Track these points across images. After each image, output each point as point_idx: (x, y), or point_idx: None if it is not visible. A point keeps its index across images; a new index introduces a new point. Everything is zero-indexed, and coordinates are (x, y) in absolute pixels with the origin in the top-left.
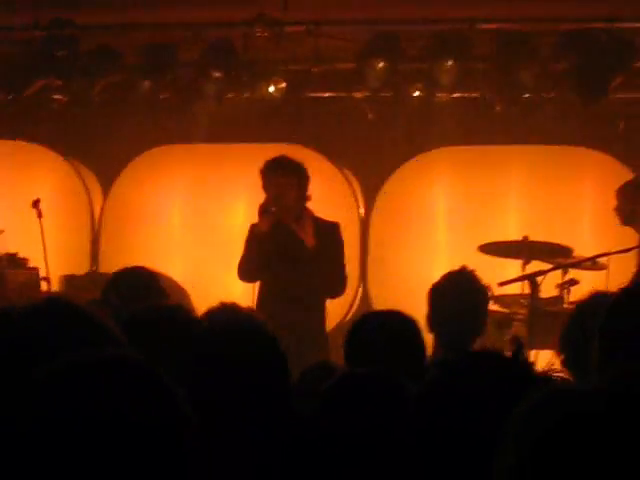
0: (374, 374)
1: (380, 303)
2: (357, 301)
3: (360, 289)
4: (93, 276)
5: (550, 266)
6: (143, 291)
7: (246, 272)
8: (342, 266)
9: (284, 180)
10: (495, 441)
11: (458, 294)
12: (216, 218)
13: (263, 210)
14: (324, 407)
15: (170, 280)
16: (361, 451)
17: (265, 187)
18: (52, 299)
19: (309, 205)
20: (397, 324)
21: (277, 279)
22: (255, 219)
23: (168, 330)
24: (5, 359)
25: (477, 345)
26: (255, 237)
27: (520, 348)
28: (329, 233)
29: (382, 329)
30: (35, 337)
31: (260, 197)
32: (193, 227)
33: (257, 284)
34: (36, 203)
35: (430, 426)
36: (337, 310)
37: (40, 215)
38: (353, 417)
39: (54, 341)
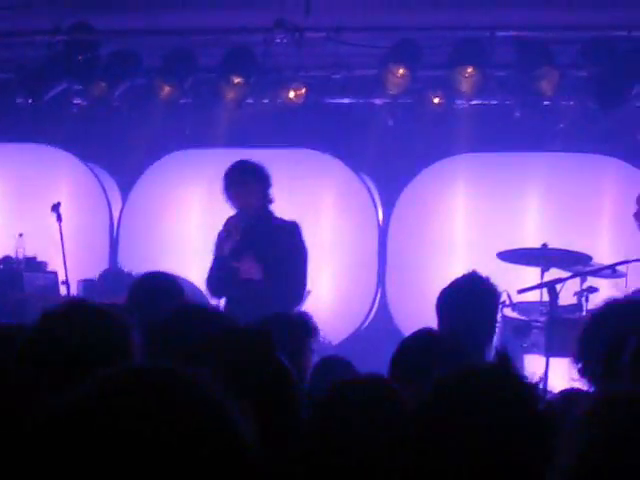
0: (371, 380)
1: (398, 309)
2: (375, 307)
3: (379, 295)
4: (109, 277)
5: (569, 274)
6: (163, 295)
7: (213, 290)
8: (298, 270)
9: (245, 188)
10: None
11: (467, 298)
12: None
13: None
14: (321, 414)
15: (189, 283)
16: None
17: (227, 195)
18: (74, 301)
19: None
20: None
21: (234, 300)
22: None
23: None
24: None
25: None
26: (218, 258)
27: (505, 358)
28: (287, 234)
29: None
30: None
31: (278, 201)
32: (211, 231)
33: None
34: (56, 207)
35: (426, 441)
36: (356, 315)
37: (60, 219)
38: (348, 425)
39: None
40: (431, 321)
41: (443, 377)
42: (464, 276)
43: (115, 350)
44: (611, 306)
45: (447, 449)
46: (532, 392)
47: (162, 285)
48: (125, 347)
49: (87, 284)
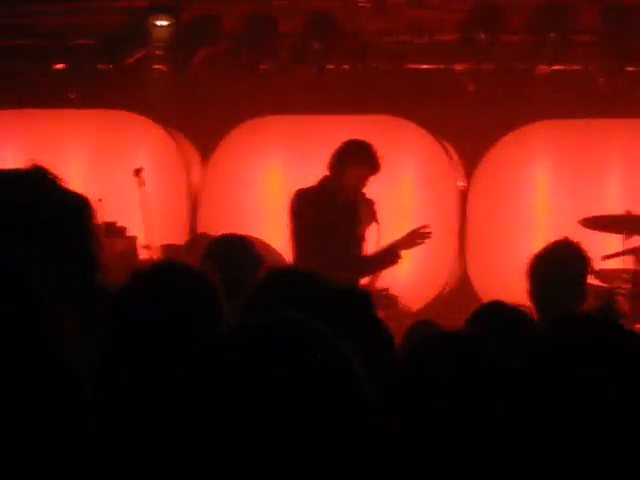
0: (466, 336)
1: (478, 277)
2: (456, 273)
3: (459, 261)
4: (193, 245)
5: None
6: (240, 258)
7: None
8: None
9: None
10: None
11: (560, 263)
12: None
13: None
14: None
15: (268, 246)
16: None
17: (349, 178)
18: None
19: None
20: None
21: None
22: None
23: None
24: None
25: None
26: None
27: (610, 309)
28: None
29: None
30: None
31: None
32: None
33: None
34: (138, 171)
35: (528, 402)
36: (435, 282)
37: (142, 184)
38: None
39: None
40: (511, 289)
41: (555, 328)
42: (557, 243)
43: (206, 310)
44: None
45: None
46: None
47: (240, 248)
48: (215, 308)
49: (169, 249)
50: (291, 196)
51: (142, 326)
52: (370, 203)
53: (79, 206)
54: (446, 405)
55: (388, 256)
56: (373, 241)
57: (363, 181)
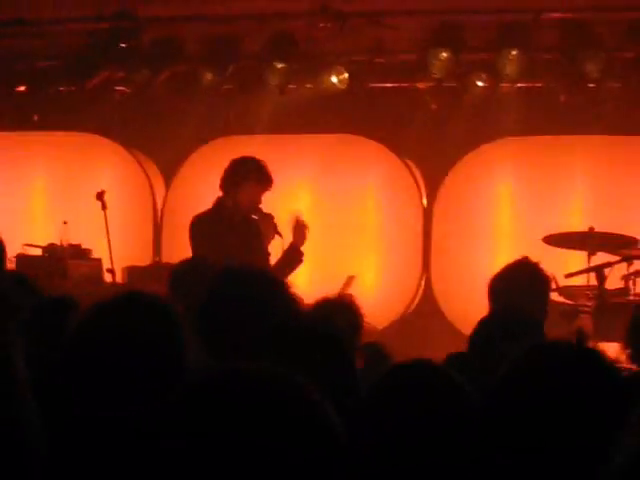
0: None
1: (443, 294)
2: (420, 291)
3: (424, 280)
4: (156, 267)
5: (616, 258)
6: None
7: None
8: None
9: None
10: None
11: (520, 284)
12: (277, 207)
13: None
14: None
15: None
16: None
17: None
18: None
19: None
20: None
21: None
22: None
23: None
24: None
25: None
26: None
27: (583, 338)
28: None
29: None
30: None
31: (323, 186)
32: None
33: None
34: (100, 195)
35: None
36: (401, 300)
37: (104, 207)
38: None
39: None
40: (476, 306)
41: (521, 357)
42: (515, 262)
43: (171, 344)
44: None
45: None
46: (617, 372)
47: (203, 273)
48: (182, 342)
49: (132, 271)
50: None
51: (100, 364)
52: (269, 217)
53: None
54: (410, 440)
55: (291, 257)
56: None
57: (258, 197)
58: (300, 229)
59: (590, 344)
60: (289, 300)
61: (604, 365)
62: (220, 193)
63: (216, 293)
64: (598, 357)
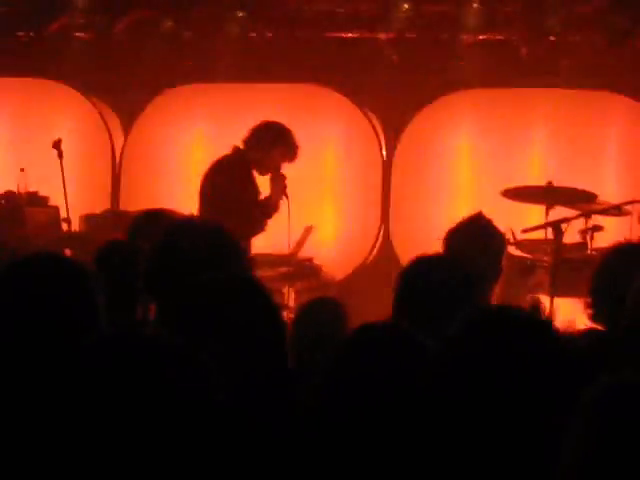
0: (389, 329)
1: (402, 245)
2: (379, 242)
3: (382, 230)
4: (113, 215)
5: (574, 212)
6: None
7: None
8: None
9: None
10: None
11: (474, 239)
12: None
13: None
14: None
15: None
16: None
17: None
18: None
19: None
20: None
21: None
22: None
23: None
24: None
25: (497, 290)
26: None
27: (538, 309)
28: None
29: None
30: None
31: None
32: None
33: None
34: (57, 143)
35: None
36: (359, 251)
37: (61, 155)
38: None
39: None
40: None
41: (473, 320)
42: (469, 219)
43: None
44: (621, 250)
45: (477, 396)
46: (565, 341)
47: (163, 225)
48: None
49: (88, 219)
50: (213, 163)
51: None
52: (282, 178)
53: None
54: (375, 400)
55: (271, 209)
56: (285, 214)
57: (280, 164)
58: (279, 182)
59: (544, 316)
60: (238, 258)
61: (555, 341)
62: (239, 145)
63: (168, 244)
64: (550, 332)
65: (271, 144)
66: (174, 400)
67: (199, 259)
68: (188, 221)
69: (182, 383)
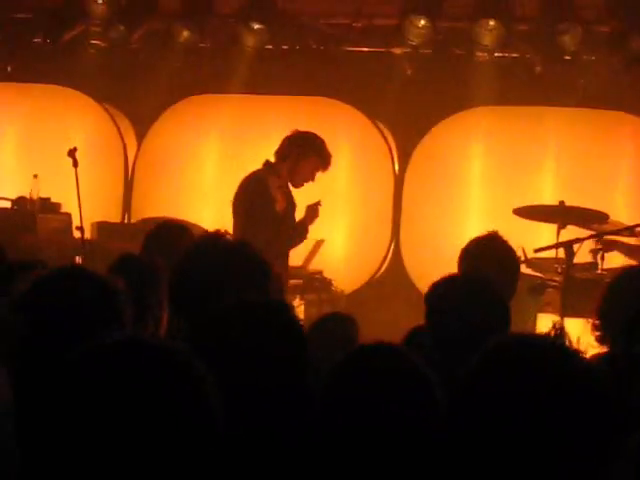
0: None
1: (412, 261)
2: (389, 257)
3: (392, 246)
4: (126, 224)
5: (586, 232)
6: (178, 247)
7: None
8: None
9: None
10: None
11: (490, 259)
12: (250, 169)
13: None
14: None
15: (201, 231)
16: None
17: (305, 169)
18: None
19: None
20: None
21: None
22: None
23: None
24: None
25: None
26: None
27: (562, 334)
28: None
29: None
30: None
31: None
32: (227, 177)
33: None
34: (72, 152)
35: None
36: (369, 265)
37: (76, 164)
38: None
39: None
40: (443, 272)
41: (494, 349)
42: (486, 238)
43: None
44: (631, 275)
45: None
46: (591, 368)
47: (176, 237)
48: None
49: (101, 227)
50: (242, 180)
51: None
52: (317, 205)
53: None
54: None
55: (300, 232)
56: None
57: (313, 175)
58: (311, 212)
59: (568, 342)
60: (262, 276)
61: (583, 371)
62: (270, 159)
63: (191, 259)
64: (577, 360)
65: (303, 154)
66: (169, 407)
67: (223, 276)
68: (212, 237)
69: (178, 390)
